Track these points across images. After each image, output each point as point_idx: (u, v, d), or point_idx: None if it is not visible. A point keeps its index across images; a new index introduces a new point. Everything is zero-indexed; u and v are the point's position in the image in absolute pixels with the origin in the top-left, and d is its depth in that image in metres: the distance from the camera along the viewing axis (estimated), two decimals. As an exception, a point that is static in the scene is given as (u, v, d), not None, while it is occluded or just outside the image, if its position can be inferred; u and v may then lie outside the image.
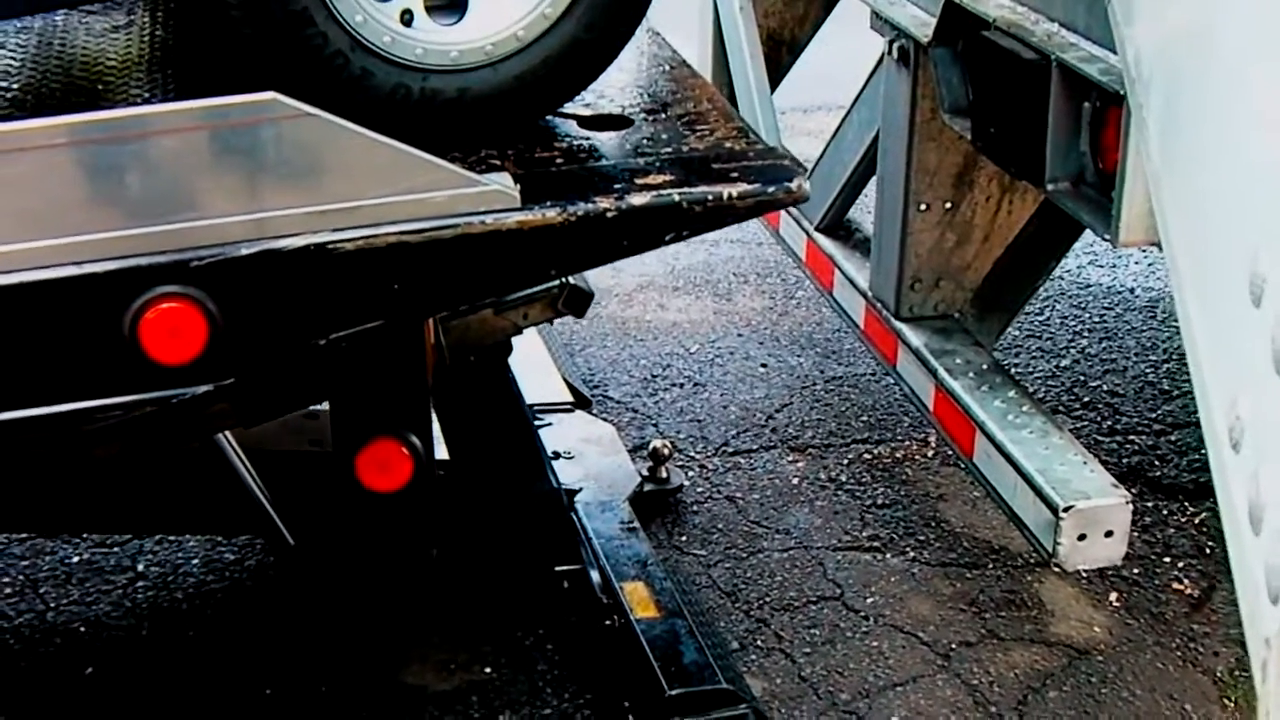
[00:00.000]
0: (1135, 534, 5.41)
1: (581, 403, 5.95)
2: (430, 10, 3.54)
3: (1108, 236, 4.04)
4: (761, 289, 7.49)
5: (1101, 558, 4.40)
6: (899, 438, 6.22)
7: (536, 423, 5.65)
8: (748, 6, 6.27)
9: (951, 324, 5.18)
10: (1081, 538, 4.28)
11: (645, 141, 3.70)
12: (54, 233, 3.12)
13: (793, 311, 7.20)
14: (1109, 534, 4.31)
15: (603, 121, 3.83)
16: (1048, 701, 4.85)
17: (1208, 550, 5.58)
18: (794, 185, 3.52)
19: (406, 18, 3.52)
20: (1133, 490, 4.35)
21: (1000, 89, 4.46)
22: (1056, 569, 5.01)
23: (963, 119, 4.69)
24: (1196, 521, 5.73)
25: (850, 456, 6.09)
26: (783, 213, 6.04)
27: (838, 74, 6.70)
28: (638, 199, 3.40)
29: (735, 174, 3.52)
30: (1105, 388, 6.59)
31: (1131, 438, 6.21)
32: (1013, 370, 6.34)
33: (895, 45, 5.05)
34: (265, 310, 3.29)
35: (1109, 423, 6.33)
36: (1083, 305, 7.33)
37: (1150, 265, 7.69)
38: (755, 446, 6.18)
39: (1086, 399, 6.50)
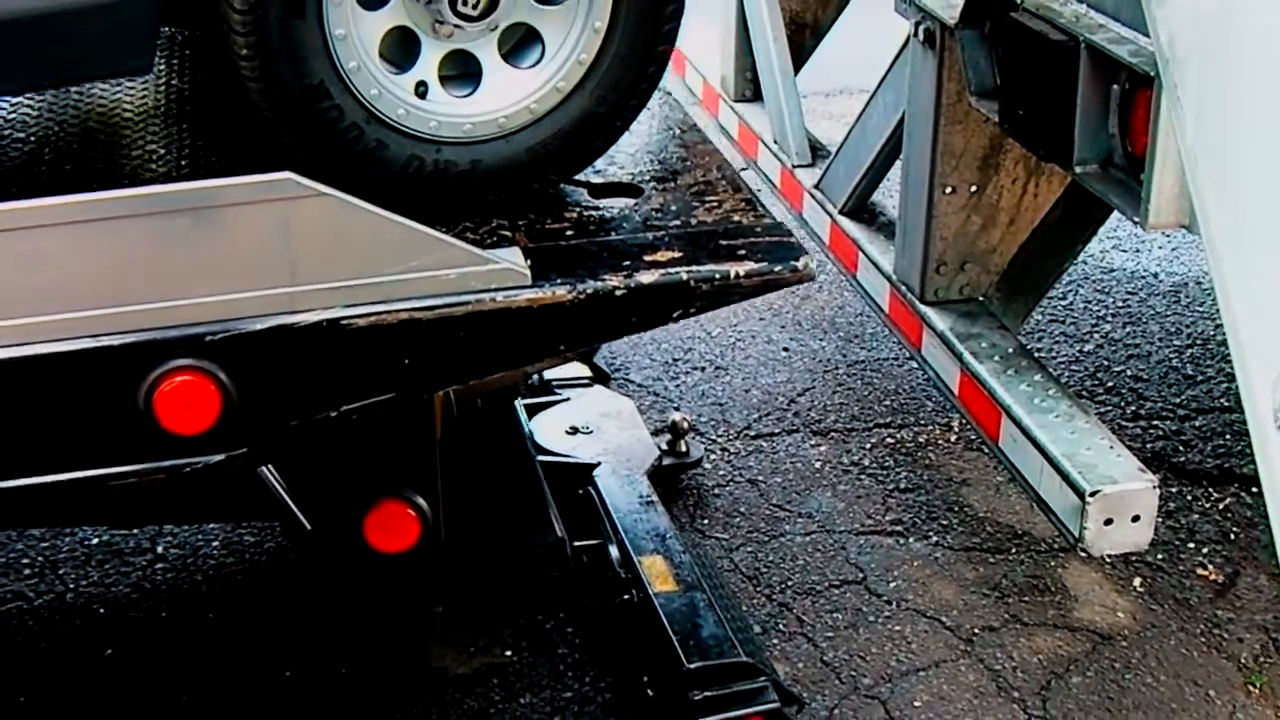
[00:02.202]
0: (1160, 519, 5.37)
1: (600, 378, 5.92)
2: (445, 81, 3.57)
3: (1137, 219, 4.01)
4: (784, 273, 7.44)
5: (1128, 543, 4.37)
6: (922, 422, 6.19)
7: (554, 397, 5.63)
8: (772, -11, 6.28)
9: (977, 307, 5.14)
10: (1108, 522, 4.25)
11: (654, 213, 3.73)
12: (74, 307, 3.18)
13: (815, 295, 7.17)
14: (1135, 519, 4.28)
15: (613, 189, 3.87)
16: (1071, 687, 4.82)
17: (1232, 536, 5.54)
18: (800, 264, 3.53)
19: (421, 90, 3.57)
20: (1157, 475, 4.31)
21: (1028, 71, 4.43)
22: (1082, 554, 4.97)
23: (990, 101, 4.65)
24: (1221, 507, 5.70)
25: (873, 440, 6.06)
26: (806, 195, 6.01)
27: (860, 57, 6.66)
28: (646, 277, 3.44)
29: (743, 251, 3.54)
30: (1129, 372, 6.56)
31: (1155, 423, 6.18)
32: (1037, 355, 6.33)
33: (921, 27, 5.00)
34: (278, 383, 3.34)
35: (1133, 408, 6.29)
36: (1106, 290, 7.29)
37: (1174, 250, 7.65)
38: (777, 430, 6.15)
39: (1110, 384, 6.47)
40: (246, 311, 3.24)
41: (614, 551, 4.91)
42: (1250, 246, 3.01)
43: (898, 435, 6.10)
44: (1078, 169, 4.23)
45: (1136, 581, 5.30)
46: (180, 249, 3.19)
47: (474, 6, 3.49)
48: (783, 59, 6.31)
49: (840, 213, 5.77)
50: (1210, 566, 5.39)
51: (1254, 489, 5.59)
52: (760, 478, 5.81)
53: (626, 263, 3.47)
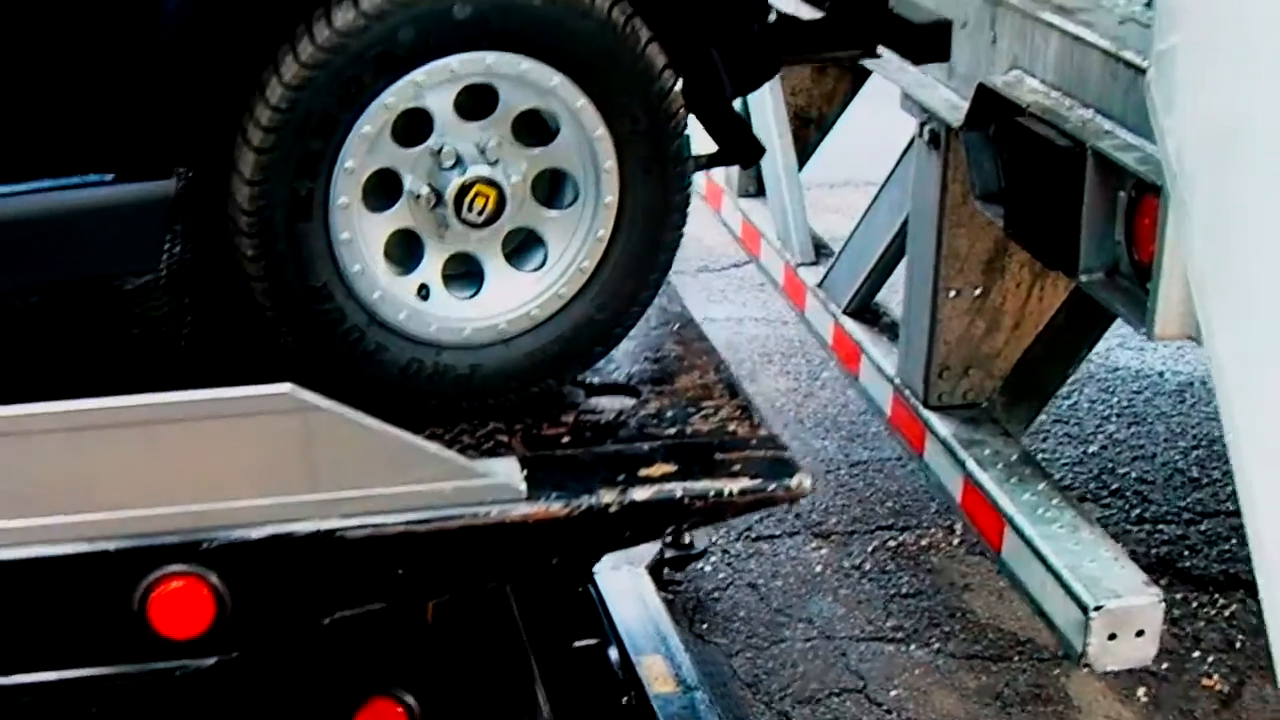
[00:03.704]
0: (1164, 627, 5.30)
1: None
2: (447, 281, 3.58)
3: (1143, 329, 3.95)
4: (786, 369, 7.40)
5: (1133, 658, 4.30)
6: (924, 525, 6.12)
7: None
8: (776, 84, 6.25)
9: (980, 413, 5.08)
10: (1112, 637, 4.17)
11: (651, 420, 3.72)
12: (72, 510, 3.19)
13: (817, 393, 7.12)
14: (1140, 633, 4.21)
15: (611, 390, 3.86)
16: (1075, 801, 4.75)
17: (1238, 644, 5.47)
18: (794, 483, 3.50)
19: (423, 292, 3.58)
20: (1161, 582, 4.26)
21: (1034, 176, 4.38)
22: (1086, 669, 4.89)
23: (994, 205, 4.61)
24: (1227, 614, 5.63)
25: (874, 544, 6.00)
26: (809, 294, 5.96)
27: (865, 149, 6.65)
28: (640, 493, 3.42)
29: (738, 466, 3.53)
30: (1134, 475, 6.50)
31: (1160, 527, 6.11)
32: (1040, 456, 6.25)
33: (926, 128, 4.97)
34: (273, 591, 3.34)
35: (1138, 510, 6.23)
36: (1111, 389, 7.23)
37: (1179, 349, 7.60)
38: (778, 532, 6.09)
39: (1115, 486, 6.41)
40: (243, 520, 3.25)
41: (613, 652, 4.83)
42: (1257, 365, 2.96)
43: (900, 538, 6.03)
44: (1083, 277, 4.18)
45: (1141, 691, 5.22)
46: (179, 457, 3.20)
47: (478, 213, 3.50)
48: (787, 155, 6.28)
49: (844, 313, 5.72)
50: (1216, 676, 5.31)
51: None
52: (760, 581, 5.74)
53: (621, 476, 3.45)
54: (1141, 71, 3.82)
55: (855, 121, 6.60)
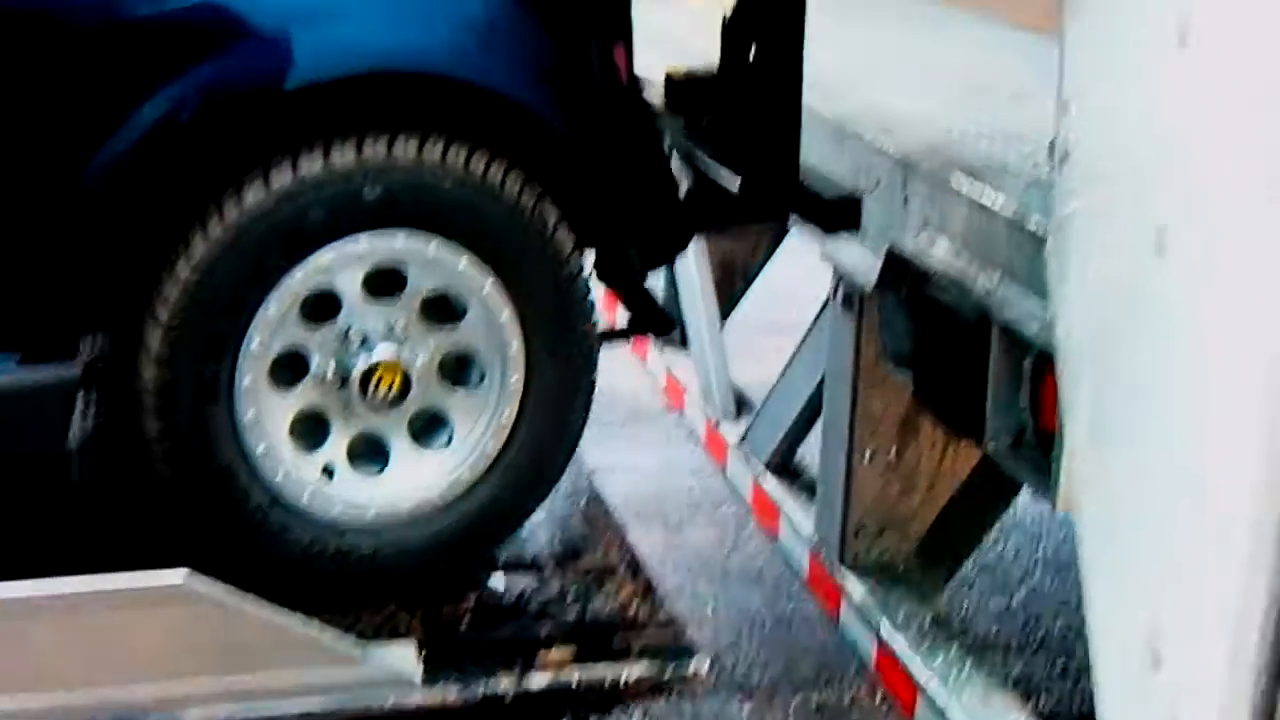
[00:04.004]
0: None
1: None
2: (353, 460, 3.59)
3: (1049, 499, 3.95)
4: (714, 520, 7.37)
5: (1045, 825, 4.28)
6: (847, 682, 6.07)
7: None
8: (698, 236, 6.27)
9: (896, 574, 5.07)
10: (1024, 805, 4.16)
11: (553, 600, 3.78)
12: None
13: (744, 545, 7.08)
14: (1052, 801, 4.19)
15: (515, 567, 3.91)
16: None
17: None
18: (690, 669, 3.62)
19: (328, 471, 3.64)
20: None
21: (941, 342, 4.40)
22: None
23: (905, 369, 4.62)
24: (1150, 773, 5.58)
25: (797, 701, 5.94)
26: (730, 450, 5.96)
27: (796, 293, 6.65)
28: (537, 681, 3.50)
29: (637, 650, 3.60)
30: (1060, 625, 6.47)
31: (1083, 682, 6.07)
32: (964, 607, 6.21)
33: (840, 288, 4.99)
34: None
35: (1062, 662, 6.20)
36: (1037, 537, 7.22)
37: (1107, 497, 7.59)
38: (700, 690, 6.02)
39: (1040, 637, 6.38)
40: (140, 705, 3.26)
41: None
42: (1117, 546, 2.96)
43: (823, 695, 5.99)
44: (990, 445, 4.18)
45: None
46: (72, 642, 3.21)
47: (383, 395, 3.53)
48: (709, 309, 6.31)
49: (763, 470, 5.71)
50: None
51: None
52: (681, 741, 5.69)
53: (519, 660, 3.51)
54: (1043, 240, 3.84)
55: (787, 264, 6.62)
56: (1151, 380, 2.93)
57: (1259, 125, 2.30)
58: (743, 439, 5.91)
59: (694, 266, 6.30)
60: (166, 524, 3.62)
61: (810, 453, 5.76)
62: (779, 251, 6.50)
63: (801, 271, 6.04)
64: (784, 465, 5.71)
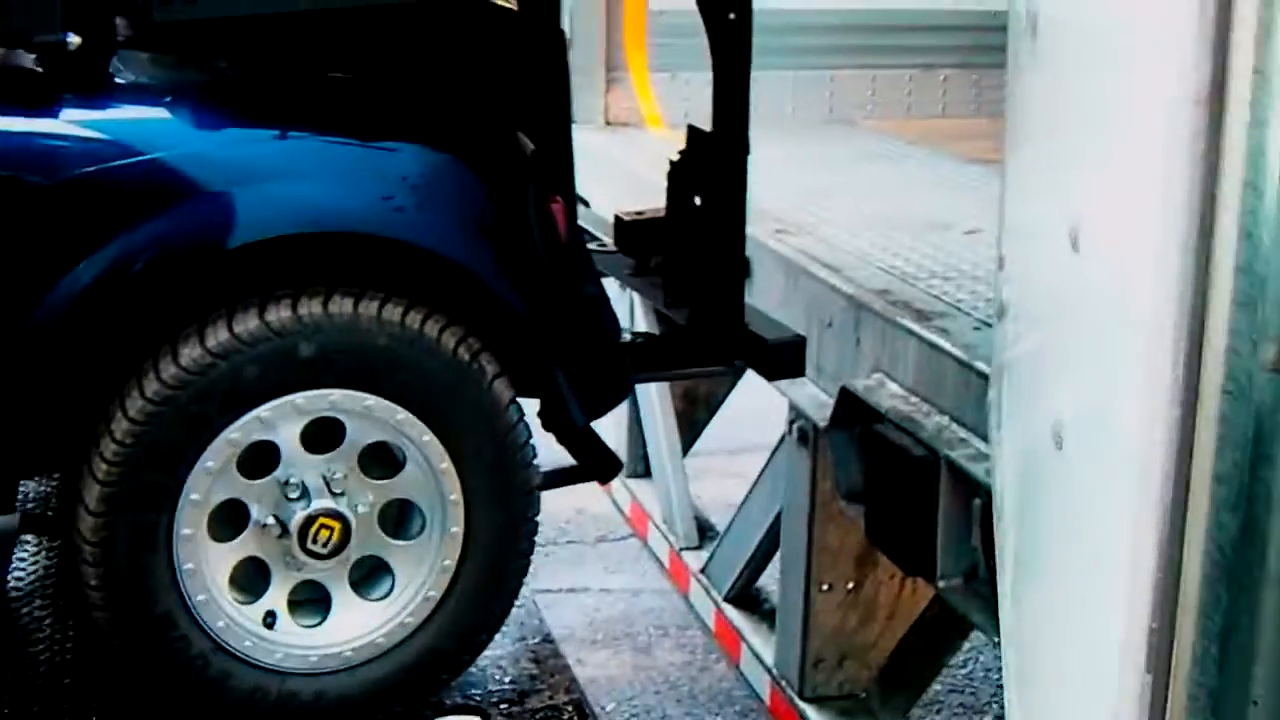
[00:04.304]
0: None
1: None
2: (294, 608, 3.64)
3: (998, 640, 3.98)
4: (682, 642, 7.38)
5: None
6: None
7: None
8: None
9: (856, 704, 5.09)
10: None
11: None
12: None
13: (713, 667, 7.08)
14: None
15: (459, 711, 3.96)
16: None
17: None
18: None
19: (269, 620, 3.69)
20: None
21: (892, 482, 4.44)
22: None
23: (858, 506, 4.66)
24: None
25: (764, 828, 5.94)
26: (692, 579, 5.99)
27: (768, 413, 6.69)
28: None
29: None
30: (1029, 748, 6.46)
31: (1051, 807, 6.08)
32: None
33: (795, 425, 5.03)
34: None
35: (1031, 786, 6.19)
36: (1008, 657, 7.22)
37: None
38: (664, 818, 6.04)
39: (1009, 761, 6.37)
40: None
41: None
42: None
43: (789, 822, 5.98)
44: (941, 584, 4.20)
45: None
46: None
47: (323, 544, 3.58)
48: (671, 440, 6.35)
49: (725, 599, 5.74)
50: None
51: None
52: None
53: None
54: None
55: (756, 385, 6.66)
56: (1054, 532, 2.97)
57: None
58: (704, 567, 5.94)
59: (655, 395, 6.35)
60: (110, 673, 3.64)
61: (771, 583, 5.79)
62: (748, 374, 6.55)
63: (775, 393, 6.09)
64: (744, 595, 5.74)
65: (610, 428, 6.95)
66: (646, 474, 6.73)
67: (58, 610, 4.16)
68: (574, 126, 6.96)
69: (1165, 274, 2.03)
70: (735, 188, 4.09)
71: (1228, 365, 2.01)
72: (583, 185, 6.60)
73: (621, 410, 6.80)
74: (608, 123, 7.11)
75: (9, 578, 4.34)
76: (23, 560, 4.44)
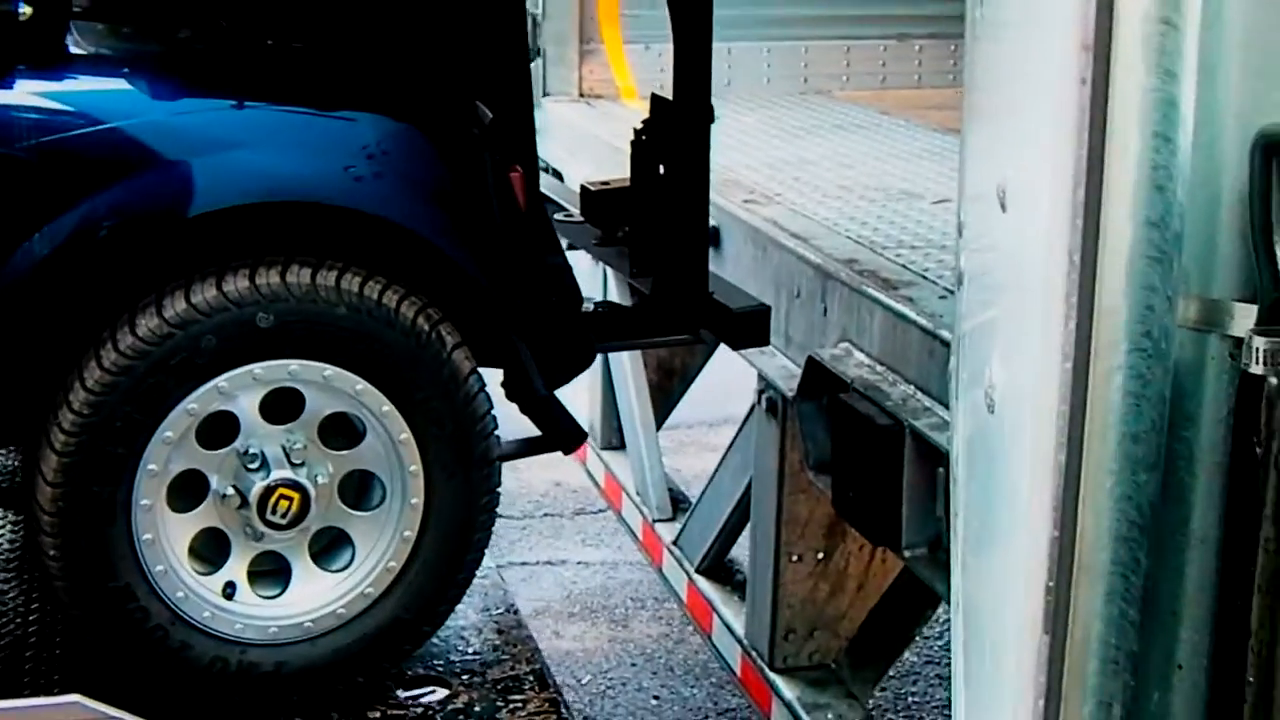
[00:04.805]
0: None
1: None
2: (254, 579, 3.64)
3: (957, 607, 3.98)
4: (659, 614, 7.39)
5: None
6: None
7: None
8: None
9: (826, 674, 5.08)
10: None
11: (458, 714, 3.79)
12: None
13: (689, 639, 7.10)
14: None
15: (422, 682, 3.94)
16: None
17: None
18: None
19: (229, 590, 3.67)
20: None
21: (857, 452, 4.43)
22: None
23: (826, 477, 4.65)
24: None
25: (737, 799, 5.96)
26: (665, 551, 5.98)
27: (750, 386, 6.69)
28: None
29: None
30: (1004, 718, 6.47)
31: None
32: (910, 700, 6.24)
33: (764, 396, 5.03)
34: None
35: (1007, 757, 6.20)
36: (985, 628, 7.23)
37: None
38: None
39: (984, 731, 6.38)
40: None
41: None
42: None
43: (763, 793, 5.99)
44: (906, 553, 4.20)
45: None
46: None
47: (282, 515, 3.58)
48: (644, 412, 6.34)
49: (696, 571, 5.74)
50: None
51: None
52: (621, 842, 5.70)
53: None
54: (952, 350, 3.88)
55: (738, 358, 6.66)
56: (987, 497, 2.96)
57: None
58: (677, 538, 5.94)
59: (628, 367, 6.34)
60: (72, 645, 3.64)
61: (744, 553, 5.79)
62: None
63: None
64: (716, 567, 5.73)
65: (584, 400, 6.96)
66: (620, 446, 6.72)
67: (22, 583, 4.15)
68: (549, 99, 7.04)
69: (1058, 229, 2.01)
70: (698, 157, 4.08)
71: (1141, 323, 2.00)
72: (557, 157, 6.63)
73: (595, 383, 6.81)
74: (582, 95, 7.10)
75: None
76: (-13, 533, 4.45)
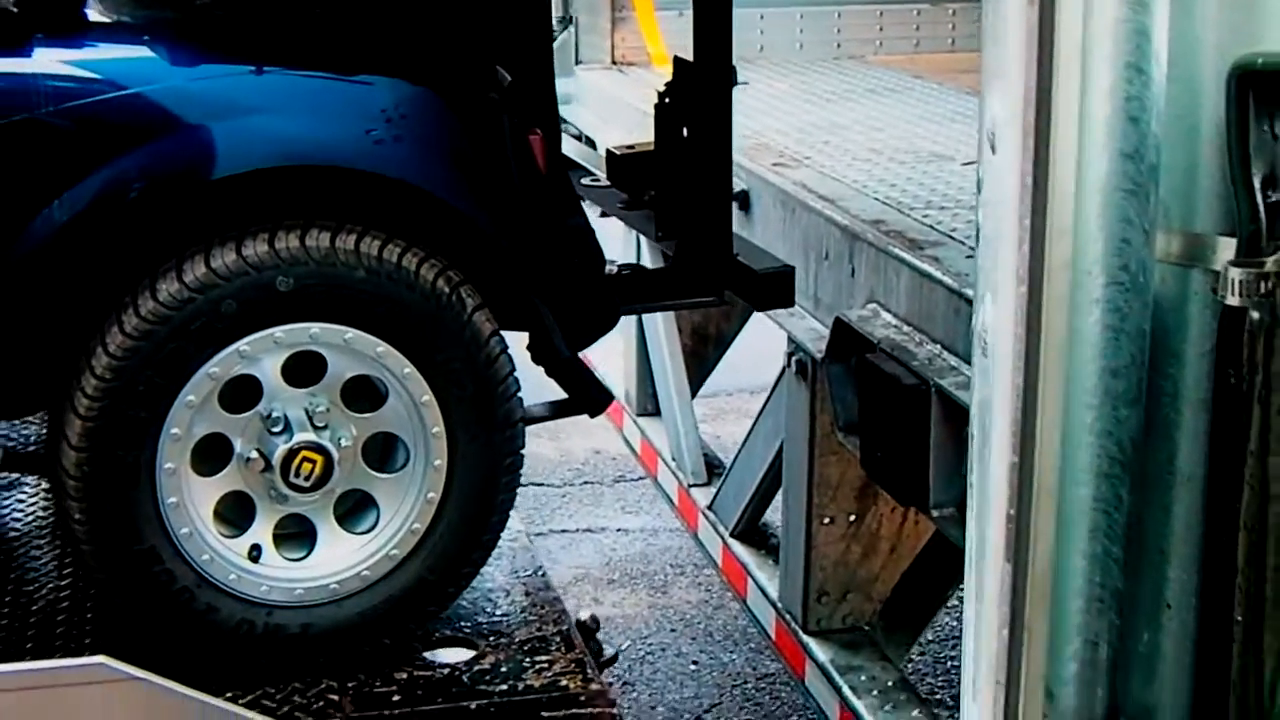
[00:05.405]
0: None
1: None
2: (280, 541, 3.65)
3: (986, 566, 3.98)
4: (698, 580, 7.42)
5: None
6: (830, 740, 6.10)
7: None
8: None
9: (859, 637, 5.09)
10: None
11: (485, 675, 3.78)
12: None
13: (728, 604, 7.12)
14: None
15: (449, 643, 3.92)
16: None
17: None
18: None
19: (255, 553, 3.68)
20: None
21: (885, 412, 4.43)
22: None
23: (854, 438, 4.65)
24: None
25: (774, 762, 5.98)
26: (700, 515, 6.00)
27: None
28: None
29: None
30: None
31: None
32: (948, 664, 6.25)
33: (794, 358, 5.03)
34: None
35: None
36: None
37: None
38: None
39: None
40: None
41: None
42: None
43: (800, 757, 6.02)
44: (934, 513, 4.20)
45: None
46: None
47: (306, 478, 3.58)
48: (678, 377, 6.35)
49: (731, 535, 5.75)
50: None
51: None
52: (659, 804, 5.73)
53: None
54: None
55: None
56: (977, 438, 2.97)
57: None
58: (712, 503, 5.95)
59: (662, 333, 6.36)
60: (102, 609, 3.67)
61: (778, 516, 5.80)
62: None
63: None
64: (750, 530, 5.74)
65: (618, 366, 6.98)
66: (656, 412, 6.74)
67: (54, 548, 4.19)
68: (582, 67, 7.05)
69: (1009, 160, 2.01)
70: (720, 119, 4.08)
71: (1118, 255, 2.00)
72: (589, 124, 6.64)
73: (630, 349, 6.82)
74: (615, 62, 7.10)
75: (8, 518, 4.38)
76: (21, 501, 4.48)
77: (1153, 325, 2.05)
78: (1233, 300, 2.00)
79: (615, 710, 3.64)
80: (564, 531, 7.84)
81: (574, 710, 3.62)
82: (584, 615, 5.47)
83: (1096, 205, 1.97)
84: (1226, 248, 2.05)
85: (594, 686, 3.72)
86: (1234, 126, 2.05)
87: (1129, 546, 2.15)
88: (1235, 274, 1.99)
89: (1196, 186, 2.07)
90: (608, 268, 4.06)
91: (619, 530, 7.89)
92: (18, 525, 4.36)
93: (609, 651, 5.39)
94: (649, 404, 6.81)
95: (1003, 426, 2.14)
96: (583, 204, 4.13)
